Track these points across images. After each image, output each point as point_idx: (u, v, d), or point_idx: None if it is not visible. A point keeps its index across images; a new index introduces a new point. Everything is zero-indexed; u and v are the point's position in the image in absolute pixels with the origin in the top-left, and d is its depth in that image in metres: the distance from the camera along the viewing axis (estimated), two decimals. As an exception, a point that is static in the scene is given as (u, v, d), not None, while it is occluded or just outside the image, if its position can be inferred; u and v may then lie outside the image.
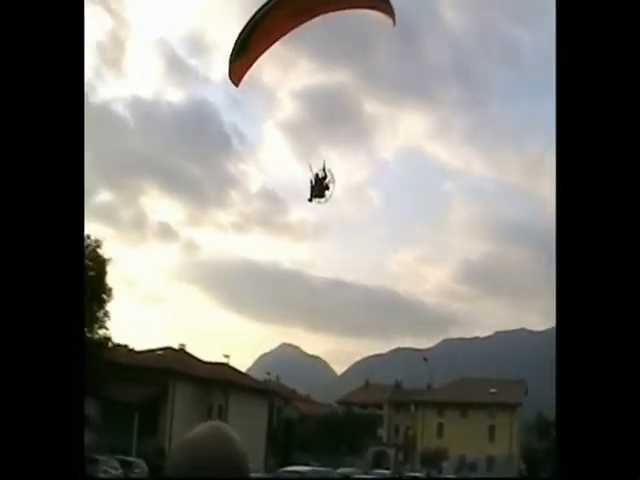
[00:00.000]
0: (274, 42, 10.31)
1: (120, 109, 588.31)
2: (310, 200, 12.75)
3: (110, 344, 36.62)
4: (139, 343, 54.15)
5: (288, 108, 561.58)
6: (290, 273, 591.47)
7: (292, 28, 10.15)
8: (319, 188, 12.66)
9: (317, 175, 12.63)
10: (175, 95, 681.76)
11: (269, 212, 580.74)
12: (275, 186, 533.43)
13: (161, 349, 50.43)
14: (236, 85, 10.84)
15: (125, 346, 46.80)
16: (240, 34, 10.19)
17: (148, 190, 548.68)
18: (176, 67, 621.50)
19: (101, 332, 35.29)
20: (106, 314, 35.67)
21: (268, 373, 73.11)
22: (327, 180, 12.74)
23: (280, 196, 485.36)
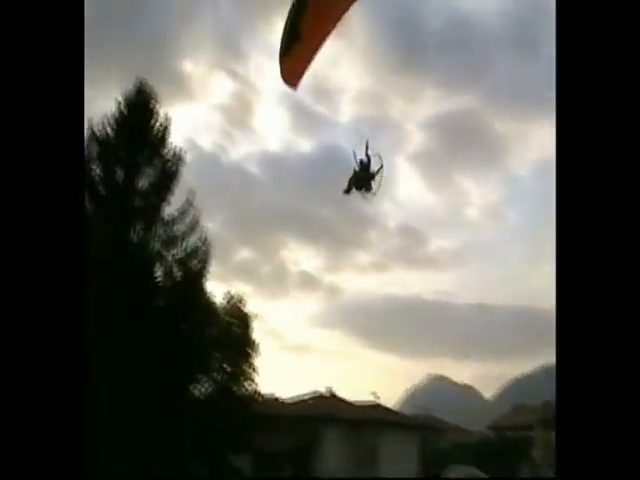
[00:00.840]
0: (331, 27, 8.25)
1: (252, 167, 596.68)
2: (347, 192, 9.82)
3: (260, 397, 36.73)
4: (288, 392, 54.61)
5: (418, 139, 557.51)
6: (433, 304, 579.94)
7: (348, 6, 8.14)
8: (361, 177, 9.72)
9: (361, 162, 9.78)
10: (304, 145, 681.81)
11: (408, 246, 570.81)
12: (411, 219, 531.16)
13: (310, 397, 51.26)
14: (293, 87, 8.86)
15: (275, 397, 47.37)
16: (287, 22, 8.27)
17: (286, 242, 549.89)
18: (303, 116, 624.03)
19: (250, 387, 35.50)
20: (254, 368, 35.77)
21: (414, 407, 73.06)
22: (374, 167, 9.83)
23: (417, 228, 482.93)
